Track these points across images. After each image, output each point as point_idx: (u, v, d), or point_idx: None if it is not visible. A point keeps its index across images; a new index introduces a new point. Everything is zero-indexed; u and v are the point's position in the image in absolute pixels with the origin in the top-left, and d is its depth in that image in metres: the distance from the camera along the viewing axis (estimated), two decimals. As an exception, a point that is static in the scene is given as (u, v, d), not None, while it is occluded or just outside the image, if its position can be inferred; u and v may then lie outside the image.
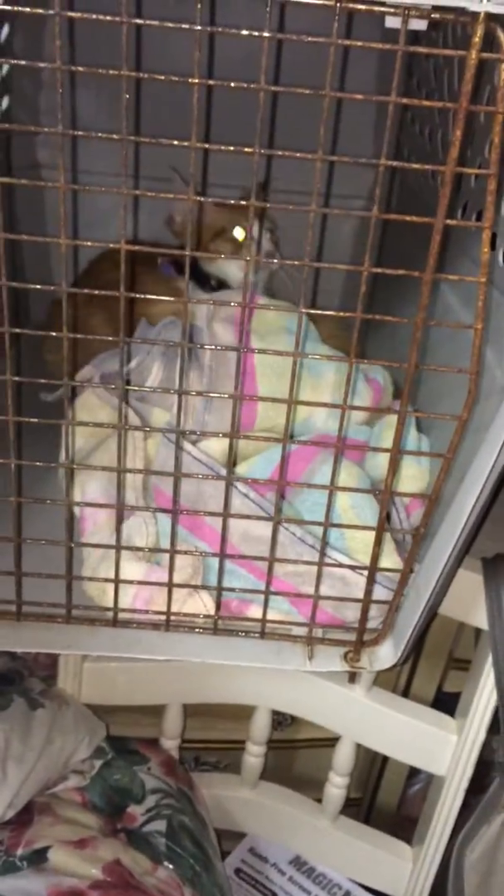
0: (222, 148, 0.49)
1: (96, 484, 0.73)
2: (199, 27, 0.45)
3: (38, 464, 0.58)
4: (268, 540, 0.67)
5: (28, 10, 0.45)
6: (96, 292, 0.54)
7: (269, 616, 0.65)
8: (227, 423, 0.76)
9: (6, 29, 0.93)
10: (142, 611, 0.64)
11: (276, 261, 1.03)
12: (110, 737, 0.95)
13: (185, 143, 0.48)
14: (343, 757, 0.97)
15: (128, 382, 0.84)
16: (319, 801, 1.03)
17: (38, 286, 0.56)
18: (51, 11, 0.45)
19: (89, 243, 0.54)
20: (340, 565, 0.63)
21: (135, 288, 0.74)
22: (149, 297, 0.57)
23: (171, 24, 0.46)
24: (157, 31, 1.01)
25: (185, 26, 0.45)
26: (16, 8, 0.45)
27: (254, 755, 1.00)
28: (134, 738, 0.99)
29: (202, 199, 0.59)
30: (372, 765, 1.19)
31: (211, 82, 0.47)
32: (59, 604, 0.63)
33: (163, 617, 0.64)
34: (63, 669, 0.90)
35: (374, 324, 1.20)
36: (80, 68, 0.46)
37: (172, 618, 0.64)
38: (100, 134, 0.49)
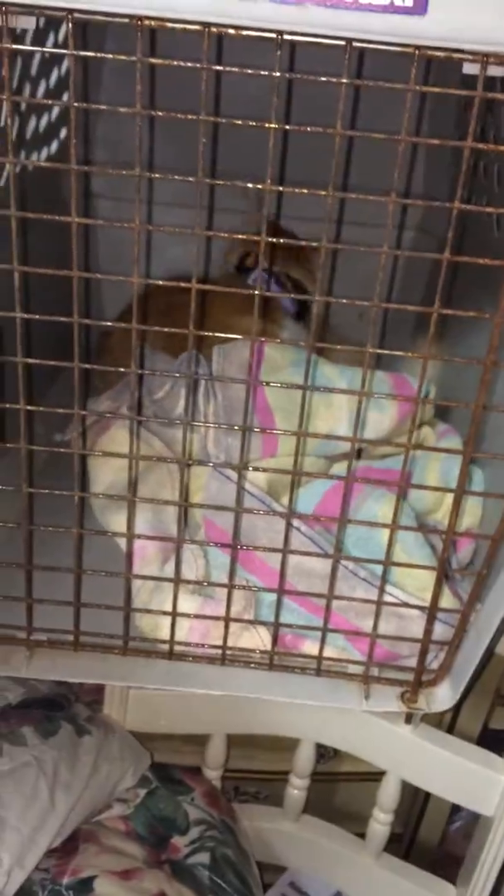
0: (296, 191, 0.49)
1: (142, 518, 0.73)
2: (277, 73, 0.46)
3: (98, 495, 0.58)
4: (320, 573, 0.67)
5: (112, 56, 0.46)
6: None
7: (325, 652, 0.64)
8: (250, 450, 0.76)
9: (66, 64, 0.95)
10: (198, 644, 0.64)
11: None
12: (154, 765, 0.95)
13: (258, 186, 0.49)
14: (388, 793, 0.96)
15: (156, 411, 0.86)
16: (360, 835, 1.02)
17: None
18: (133, 58, 0.46)
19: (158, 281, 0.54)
20: (402, 604, 0.62)
21: (206, 311, 0.75)
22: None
23: (250, 71, 0.46)
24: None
25: (264, 73, 0.46)
26: (104, 55, 0.46)
27: (297, 788, 0.99)
28: (177, 766, 0.98)
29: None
30: (414, 800, 1.17)
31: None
32: (116, 635, 0.63)
33: (219, 651, 0.64)
34: (109, 696, 0.90)
35: (420, 327, 1.20)
36: (159, 112, 0.47)
37: (228, 652, 0.64)
38: (176, 176, 0.49)
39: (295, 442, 0.80)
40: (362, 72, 0.90)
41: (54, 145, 1.03)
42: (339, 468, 0.83)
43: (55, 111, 0.99)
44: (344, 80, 0.46)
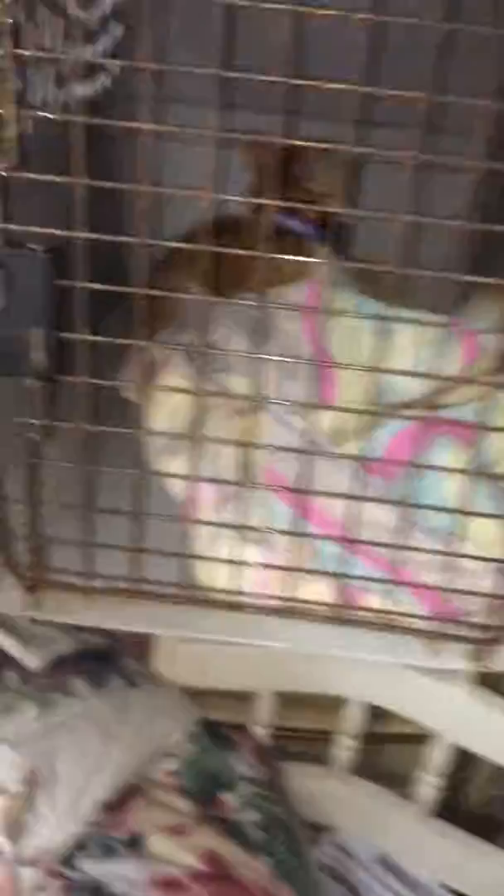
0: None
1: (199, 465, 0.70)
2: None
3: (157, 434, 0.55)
4: (384, 525, 0.64)
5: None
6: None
7: (390, 607, 0.62)
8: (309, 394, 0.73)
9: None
10: (261, 595, 0.62)
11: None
12: (202, 721, 0.93)
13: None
14: (440, 757, 0.94)
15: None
16: (404, 797, 1.00)
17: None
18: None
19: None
20: (474, 558, 0.60)
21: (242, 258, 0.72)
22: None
23: None
24: None
25: None
26: None
27: (346, 748, 0.98)
28: (225, 723, 0.97)
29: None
30: (461, 763, 1.15)
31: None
32: (174, 583, 0.61)
33: (281, 602, 0.61)
34: (158, 650, 0.89)
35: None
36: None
37: (290, 604, 0.61)
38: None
39: (355, 389, 0.78)
40: None
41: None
42: (399, 418, 0.79)
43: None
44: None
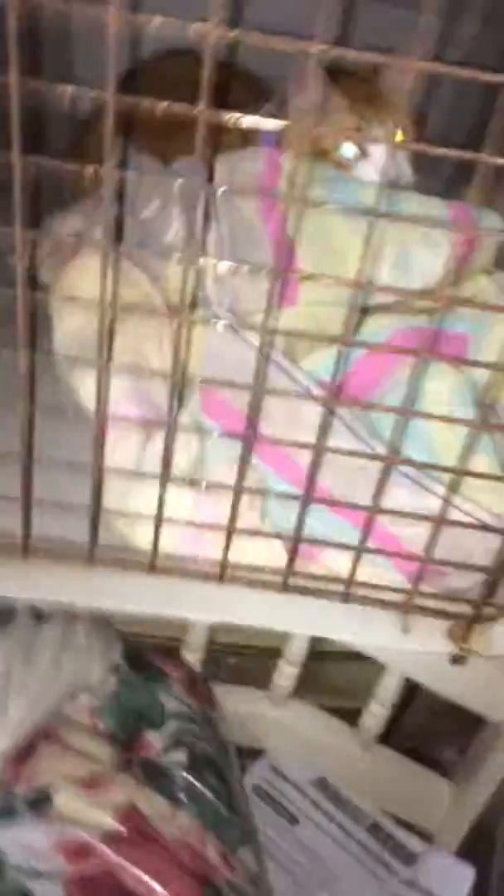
0: None
1: (119, 382, 0.54)
2: None
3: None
4: (350, 465, 0.50)
5: None
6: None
7: (354, 567, 0.49)
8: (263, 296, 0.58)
9: None
10: (189, 558, 0.49)
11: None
12: (126, 649, 0.83)
13: None
14: (388, 688, 0.86)
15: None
16: (347, 711, 0.93)
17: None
18: None
19: None
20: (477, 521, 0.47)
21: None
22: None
23: None
24: None
25: None
26: None
27: (286, 675, 0.89)
28: (153, 649, 0.87)
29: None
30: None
31: None
32: (80, 542, 0.47)
33: (216, 567, 0.48)
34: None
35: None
36: None
37: (229, 569, 0.48)
38: None
39: (320, 287, 0.62)
40: None
41: None
42: (375, 325, 0.64)
43: None
44: None
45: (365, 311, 0.65)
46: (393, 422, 0.49)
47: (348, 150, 0.68)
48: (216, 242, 0.60)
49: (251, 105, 0.77)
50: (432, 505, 0.49)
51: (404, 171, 0.70)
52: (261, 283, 0.53)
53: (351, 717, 0.94)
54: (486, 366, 0.49)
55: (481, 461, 0.55)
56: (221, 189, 0.62)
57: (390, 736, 1.07)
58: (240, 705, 0.91)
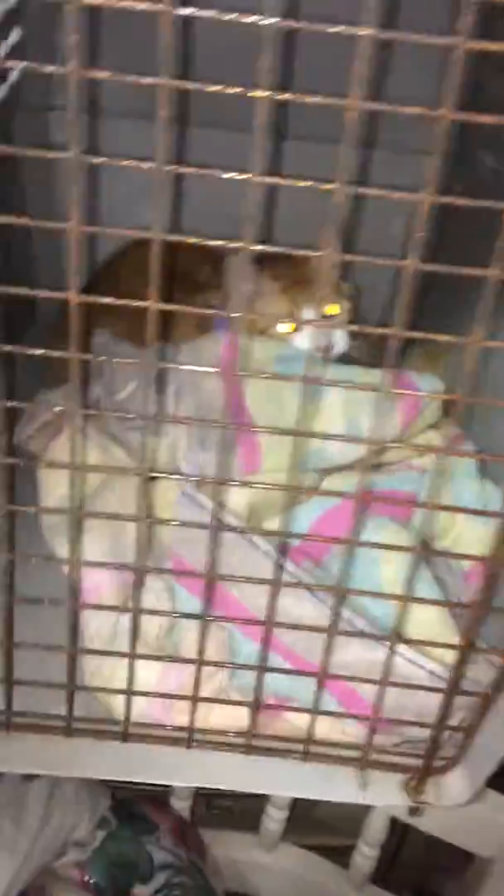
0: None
1: (98, 547, 0.60)
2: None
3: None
4: (309, 622, 0.55)
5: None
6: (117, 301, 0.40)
7: (316, 723, 0.53)
8: (227, 465, 0.64)
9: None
10: (159, 725, 0.53)
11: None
12: (116, 802, 0.85)
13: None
14: (375, 828, 0.87)
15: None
16: (337, 848, 0.94)
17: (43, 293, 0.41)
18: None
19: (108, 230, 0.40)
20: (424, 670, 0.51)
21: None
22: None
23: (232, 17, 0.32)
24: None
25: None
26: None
27: (275, 819, 0.90)
28: (142, 797, 0.88)
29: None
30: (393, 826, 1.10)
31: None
32: (58, 716, 0.51)
33: (184, 732, 0.52)
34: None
35: (425, 316, 1.05)
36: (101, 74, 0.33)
37: (197, 734, 0.52)
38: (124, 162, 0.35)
39: (280, 453, 0.69)
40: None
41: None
42: (331, 486, 0.70)
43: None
44: (366, 31, 0.32)
45: (325, 472, 0.71)
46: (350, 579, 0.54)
47: (283, 326, 0.77)
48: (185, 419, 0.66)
49: (212, 283, 0.87)
50: (380, 656, 0.53)
51: (337, 340, 0.79)
52: (225, 455, 0.60)
53: (344, 854, 0.94)
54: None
55: (429, 613, 0.60)
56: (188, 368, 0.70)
57: (391, 870, 1.07)
58: (230, 850, 0.92)
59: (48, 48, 0.94)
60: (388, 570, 0.63)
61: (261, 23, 0.32)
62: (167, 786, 0.93)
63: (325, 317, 0.81)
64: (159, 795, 0.91)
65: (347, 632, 0.54)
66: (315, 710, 0.51)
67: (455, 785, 0.53)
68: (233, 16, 0.33)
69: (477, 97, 0.89)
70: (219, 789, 1.02)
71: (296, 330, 0.79)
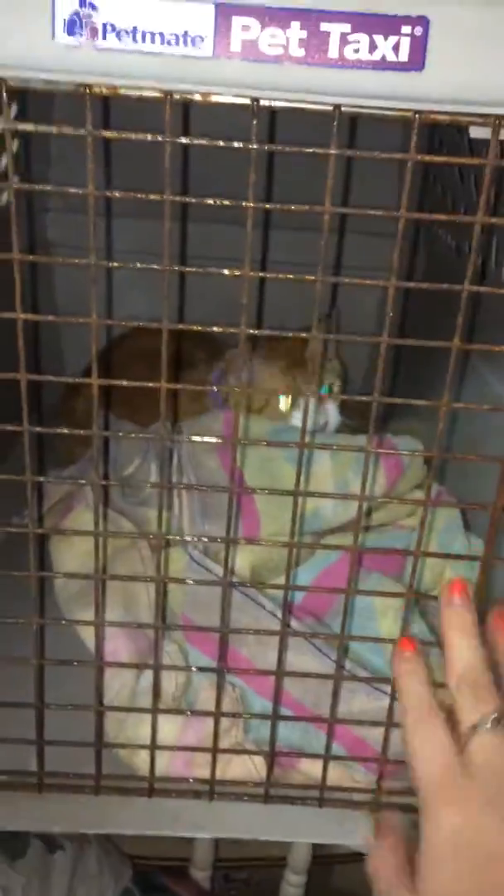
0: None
1: (113, 614, 0.65)
2: (254, 146, 0.38)
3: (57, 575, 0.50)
4: (318, 679, 0.59)
5: (57, 131, 0.39)
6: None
7: (329, 772, 0.56)
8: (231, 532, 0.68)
9: (14, 107, 0.87)
10: (182, 779, 0.56)
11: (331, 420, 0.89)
12: (136, 872, 0.86)
13: (234, 273, 0.41)
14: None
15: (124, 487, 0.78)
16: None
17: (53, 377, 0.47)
18: (82, 131, 0.38)
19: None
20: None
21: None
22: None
23: (221, 144, 0.39)
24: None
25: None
26: (47, 128, 0.38)
27: (293, 885, 0.91)
28: (161, 869, 0.90)
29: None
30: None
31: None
32: (87, 774, 0.55)
33: (206, 785, 0.56)
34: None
35: (401, 388, 1.13)
36: (116, 193, 0.40)
37: (217, 786, 0.56)
38: (138, 265, 0.42)
39: (278, 520, 0.73)
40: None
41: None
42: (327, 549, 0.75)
43: None
44: (333, 151, 0.39)
45: (320, 535, 0.76)
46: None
47: (283, 403, 0.83)
48: (188, 494, 0.71)
49: (205, 360, 0.94)
50: (385, 703, 0.57)
51: (332, 415, 0.87)
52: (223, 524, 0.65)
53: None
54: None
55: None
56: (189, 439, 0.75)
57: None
58: (252, 921, 0.92)
59: (44, 155, 1.04)
60: (385, 624, 0.67)
61: (250, 146, 0.39)
62: (186, 859, 0.94)
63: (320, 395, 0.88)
64: (179, 867, 0.92)
65: (353, 677, 0.58)
66: (327, 756, 0.55)
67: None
68: (220, 143, 0.40)
69: (429, 189, 0.99)
70: (237, 861, 1.04)
71: (293, 407, 0.85)
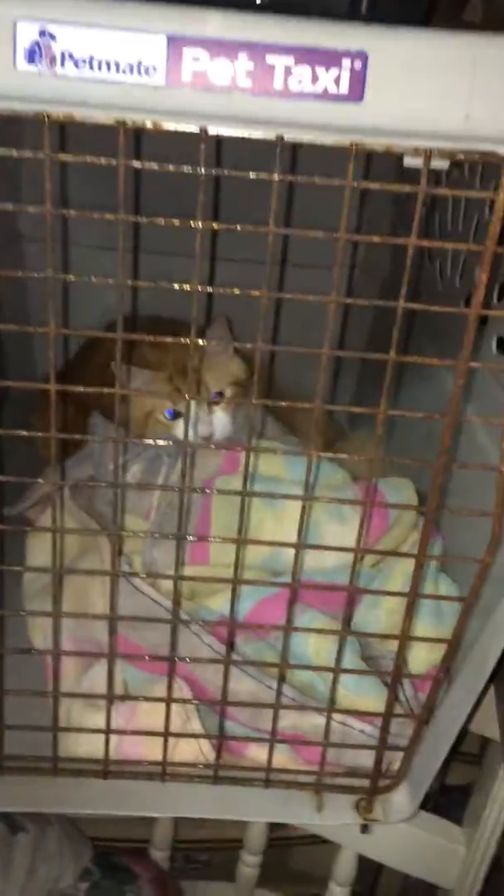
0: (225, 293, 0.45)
1: (64, 624, 0.65)
2: (202, 171, 0.41)
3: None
4: (249, 695, 0.61)
5: (16, 155, 0.41)
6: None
7: (274, 757, 0.60)
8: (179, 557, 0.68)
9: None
10: (134, 762, 0.59)
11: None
12: (96, 852, 0.89)
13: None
14: (345, 867, 0.92)
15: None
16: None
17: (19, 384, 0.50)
18: (41, 155, 0.41)
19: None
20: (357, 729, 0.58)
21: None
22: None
23: (172, 168, 0.42)
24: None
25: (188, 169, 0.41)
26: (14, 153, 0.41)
27: (249, 865, 0.95)
28: (121, 850, 0.93)
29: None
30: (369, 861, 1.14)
31: (216, 225, 0.43)
32: (45, 757, 0.58)
33: (158, 767, 0.59)
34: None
35: (367, 391, 1.16)
36: (72, 212, 0.42)
37: (168, 767, 0.59)
38: (93, 278, 0.44)
39: (231, 550, 0.70)
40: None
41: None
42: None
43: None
44: (276, 177, 0.42)
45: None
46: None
47: (168, 412, 0.84)
48: (157, 508, 0.73)
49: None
50: (316, 721, 0.59)
51: (219, 424, 0.85)
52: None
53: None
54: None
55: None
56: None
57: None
58: (209, 900, 0.96)
59: (13, 184, 1.06)
60: (315, 643, 0.65)
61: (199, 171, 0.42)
62: (146, 840, 0.97)
63: (211, 402, 0.86)
64: (138, 849, 0.95)
65: (289, 706, 0.60)
66: (273, 739, 0.58)
67: (399, 800, 0.60)
68: (171, 167, 0.42)
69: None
70: (197, 842, 1.07)
71: (178, 417, 0.84)
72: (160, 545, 0.70)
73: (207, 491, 0.71)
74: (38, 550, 0.76)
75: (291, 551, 0.64)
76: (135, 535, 0.71)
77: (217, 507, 0.71)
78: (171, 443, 0.79)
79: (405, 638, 0.53)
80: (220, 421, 0.85)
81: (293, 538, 0.55)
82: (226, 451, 0.78)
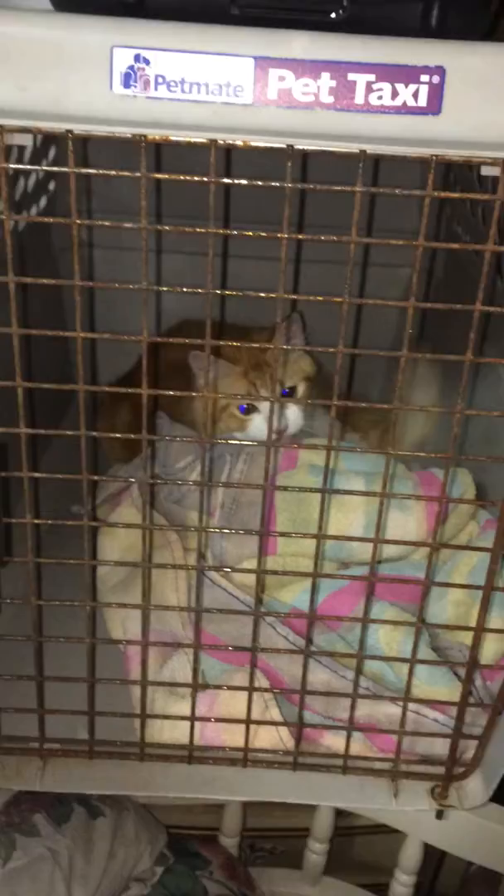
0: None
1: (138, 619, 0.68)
2: (289, 185, 0.43)
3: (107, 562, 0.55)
4: (323, 685, 0.63)
5: (116, 172, 0.44)
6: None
7: (350, 745, 0.62)
8: (247, 549, 0.71)
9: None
10: (218, 747, 0.62)
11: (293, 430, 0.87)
12: (170, 838, 0.92)
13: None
14: (410, 855, 0.94)
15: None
16: (379, 885, 0.99)
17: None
18: (137, 174, 0.43)
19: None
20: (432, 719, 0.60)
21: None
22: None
23: (260, 183, 0.44)
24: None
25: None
26: (107, 172, 0.43)
27: (316, 852, 0.97)
28: (194, 837, 0.96)
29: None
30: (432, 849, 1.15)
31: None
32: (133, 742, 0.61)
33: (240, 753, 0.61)
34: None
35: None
36: (166, 227, 0.45)
37: (249, 753, 0.61)
38: (185, 289, 0.47)
39: (297, 541, 0.71)
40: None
41: (43, 200, 1.01)
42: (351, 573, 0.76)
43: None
44: (359, 189, 0.44)
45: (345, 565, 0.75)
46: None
47: (241, 407, 0.86)
48: (222, 503, 0.75)
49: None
50: (389, 710, 0.61)
51: (292, 419, 0.86)
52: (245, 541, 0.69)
53: (385, 893, 1.00)
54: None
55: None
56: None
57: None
58: (276, 886, 0.98)
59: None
60: (386, 645, 0.67)
61: (285, 185, 0.44)
62: (213, 828, 1.00)
63: (282, 396, 0.87)
64: (209, 836, 0.98)
65: (364, 696, 0.62)
66: (350, 727, 0.60)
67: (474, 788, 0.62)
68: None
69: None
70: (263, 830, 1.10)
71: (249, 412, 0.87)
72: (230, 537, 0.72)
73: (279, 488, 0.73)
74: (110, 548, 0.79)
75: (357, 544, 0.70)
76: (216, 531, 0.73)
77: (280, 500, 0.74)
78: (251, 441, 0.80)
79: (480, 629, 0.54)
80: (293, 416, 0.87)
81: (356, 525, 0.58)
82: (284, 449, 0.80)
